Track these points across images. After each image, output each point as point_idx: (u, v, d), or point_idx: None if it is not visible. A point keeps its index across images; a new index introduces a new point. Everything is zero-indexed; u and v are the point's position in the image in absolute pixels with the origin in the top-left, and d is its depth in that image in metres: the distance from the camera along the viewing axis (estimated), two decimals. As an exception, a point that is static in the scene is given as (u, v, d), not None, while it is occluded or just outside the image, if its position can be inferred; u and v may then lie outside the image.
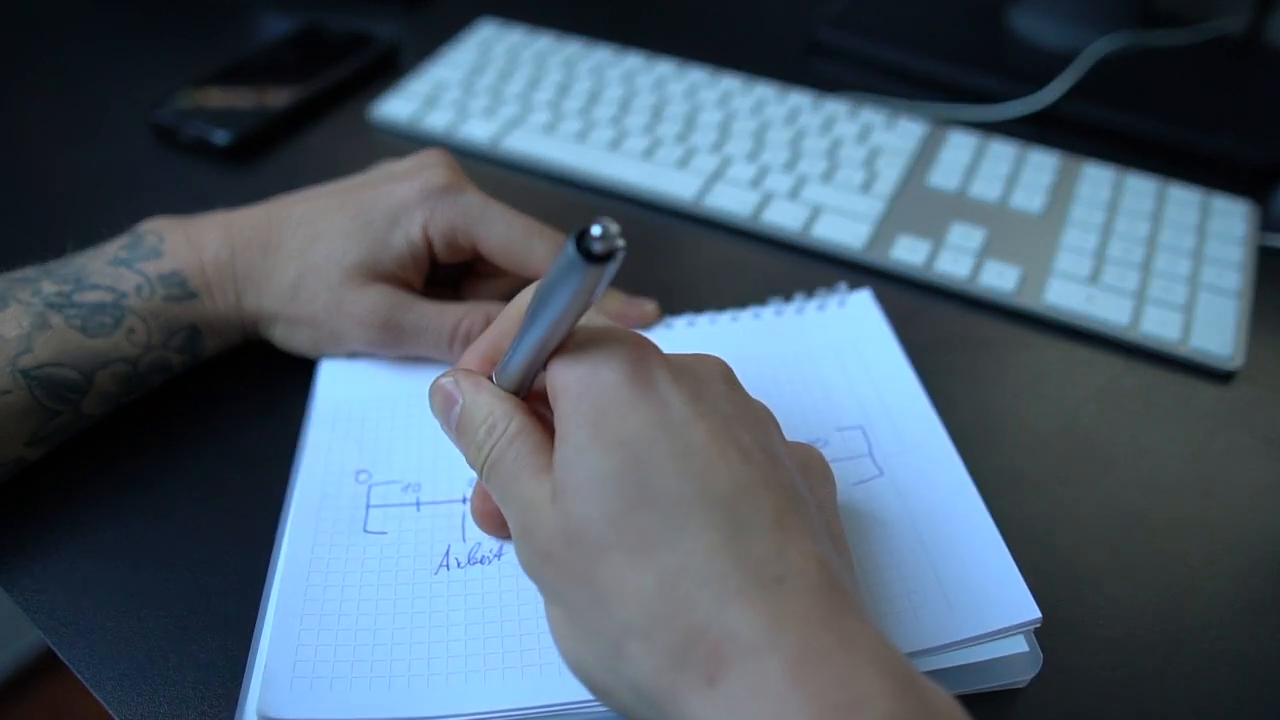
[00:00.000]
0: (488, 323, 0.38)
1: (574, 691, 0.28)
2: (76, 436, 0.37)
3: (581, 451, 0.24)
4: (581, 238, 0.22)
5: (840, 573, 0.23)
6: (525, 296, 0.29)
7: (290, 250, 0.38)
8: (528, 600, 0.31)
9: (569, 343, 0.26)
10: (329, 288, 0.37)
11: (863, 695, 0.20)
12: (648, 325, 0.41)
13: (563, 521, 0.24)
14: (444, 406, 0.29)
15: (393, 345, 0.38)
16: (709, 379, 0.26)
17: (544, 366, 0.27)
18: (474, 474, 0.35)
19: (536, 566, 0.25)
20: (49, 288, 0.35)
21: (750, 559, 0.22)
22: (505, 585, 0.31)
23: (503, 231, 0.39)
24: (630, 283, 0.42)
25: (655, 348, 0.26)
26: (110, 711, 0.30)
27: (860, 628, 0.22)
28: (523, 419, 0.27)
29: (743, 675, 0.21)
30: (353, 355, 0.40)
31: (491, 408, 0.28)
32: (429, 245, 0.38)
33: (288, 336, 0.39)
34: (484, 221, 0.38)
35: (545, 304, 0.24)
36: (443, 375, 0.29)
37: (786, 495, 0.24)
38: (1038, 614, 0.29)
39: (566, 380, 0.25)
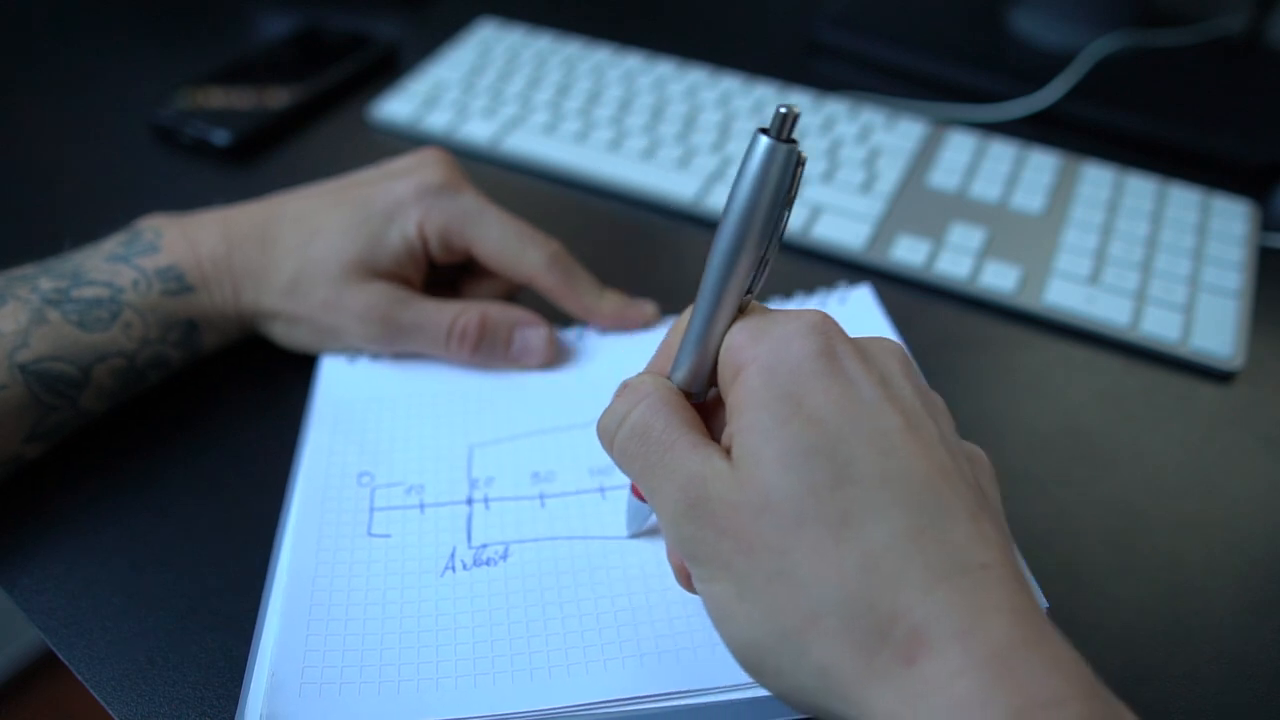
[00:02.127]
0: (483, 321, 0.38)
1: (581, 694, 0.28)
2: (76, 436, 0.37)
3: (780, 423, 0.23)
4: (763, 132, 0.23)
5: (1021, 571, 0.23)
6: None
7: (288, 246, 0.38)
8: (535, 602, 0.31)
9: (748, 316, 0.26)
10: (327, 284, 0.37)
11: (1061, 693, 0.20)
12: (648, 326, 0.41)
13: (752, 493, 0.23)
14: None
15: (390, 342, 0.38)
16: (891, 364, 0.26)
17: (713, 353, 0.26)
18: (475, 476, 0.35)
19: (707, 541, 0.24)
20: (46, 284, 0.35)
21: (952, 545, 0.22)
22: (512, 587, 0.31)
23: (497, 235, 0.39)
24: (630, 283, 0.42)
25: (838, 325, 0.25)
26: (110, 711, 0.30)
27: (1050, 625, 0.22)
28: (671, 387, 0.27)
29: (944, 659, 0.20)
30: (352, 354, 0.40)
31: (636, 378, 0.28)
32: (425, 243, 0.39)
33: (287, 333, 0.39)
34: (479, 223, 0.39)
35: (731, 225, 0.25)
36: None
37: (971, 487, 0.24)
38: (1044, 604, 0.29)
39: (754, 352, 0.25)
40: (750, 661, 0.24)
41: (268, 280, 0.38)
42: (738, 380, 0.25)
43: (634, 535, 0.33)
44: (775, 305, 0.42)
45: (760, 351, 0.25)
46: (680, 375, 0.28)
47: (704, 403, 0.28)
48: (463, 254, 0.40)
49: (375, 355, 0.40)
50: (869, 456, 0.23)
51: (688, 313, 0.28)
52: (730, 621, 0.24)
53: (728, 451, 0.25)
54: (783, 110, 0.23)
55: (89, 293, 0.35)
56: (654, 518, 0.32)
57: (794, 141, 0.24)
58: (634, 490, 0.31)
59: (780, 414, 0.23)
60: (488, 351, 0.39)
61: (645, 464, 0.26)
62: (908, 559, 0.22)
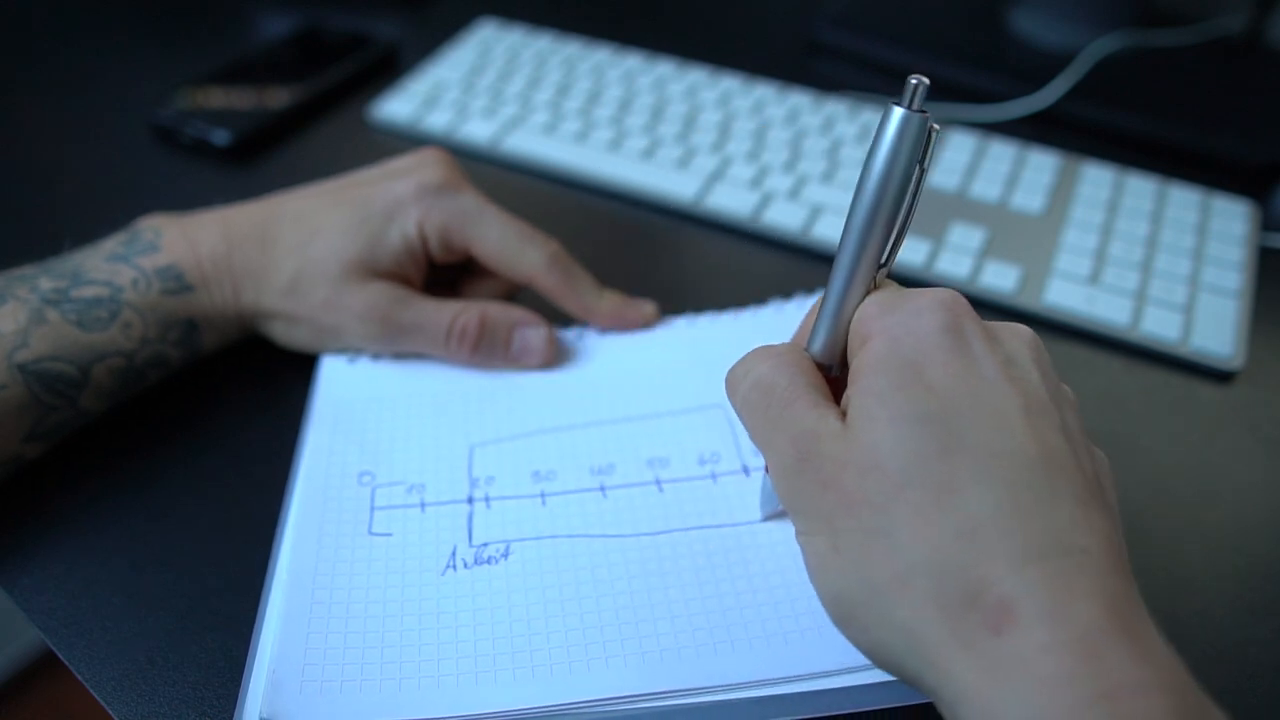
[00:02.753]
0: (483, 320, 0.38)
1: (583, 692, 0.28)
2: (76, 436, 0.37)
3: (897, 388, 0.24)
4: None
5: (1127, 564, 0.23)
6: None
7: (288, 246, 0.38)
8: (536, 600, 0.31)
9: (881, 290, 0.27)
10: (327, 283, 0.37)
11: (1148, 681, 0.20)
12: (647, 326, 0.41)
13: (861, 453, 0.24)
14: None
15: (390, 341, 0.38)
16: (1019, 348, 0.26)
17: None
18: (476, 475, 0.35)
19: (812, 495, 0.25)
20: (46, 284, 0.35)
21: (1054, 526, 0.22)
22: (513, 585, 0.31)
23: (497, 234, 0.39)
24: (630, 283, 0.42)
25: (968, 304, 0.26)
26: (110, 711, 0.30)
27: (1147, 619, 0.22)
28: (805, 355, 0.28)
29: (1030, 634, 0.21)
30: (352, 354, 0.40)
31: (775, 346, 0.29)
32: (425, 243, 0.39)
33: (287, 332, 0.39)
34: (479, 223, 0.39)
35: (867, 197, 0.26)
36: None
37: (1086, 477, 0.24)
38: None
39: (882, 323, 0.26)
40: (839, 613, 0.25)
41: (268, 280, 0.38)
42: (863, 348, 0.26)
43: (767, 518, 0.33)
44: (775, 305, 0.42)
45: (889, 323, 0.25)
46: (813, 347, 0.28)
47: (836, 377, 0.29)
48: (462, 253, 0.40)
49: (375, 355, 0.40)
50: (981, 431, 0.23)
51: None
52: (824, 573, 0.25)
53: (845, 415, 0.25)
54: (914, 82, 0.25)
55: (88, 292, 0.35)
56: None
57: (925, 112, 0.25)
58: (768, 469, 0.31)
59: (898, 380, 0.24)
60: (487, 351, 0.39)
61: (764, 416, 0.27)
62: (1006, 533, 0.22)
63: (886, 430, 0.24)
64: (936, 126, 0.26)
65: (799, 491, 0.25)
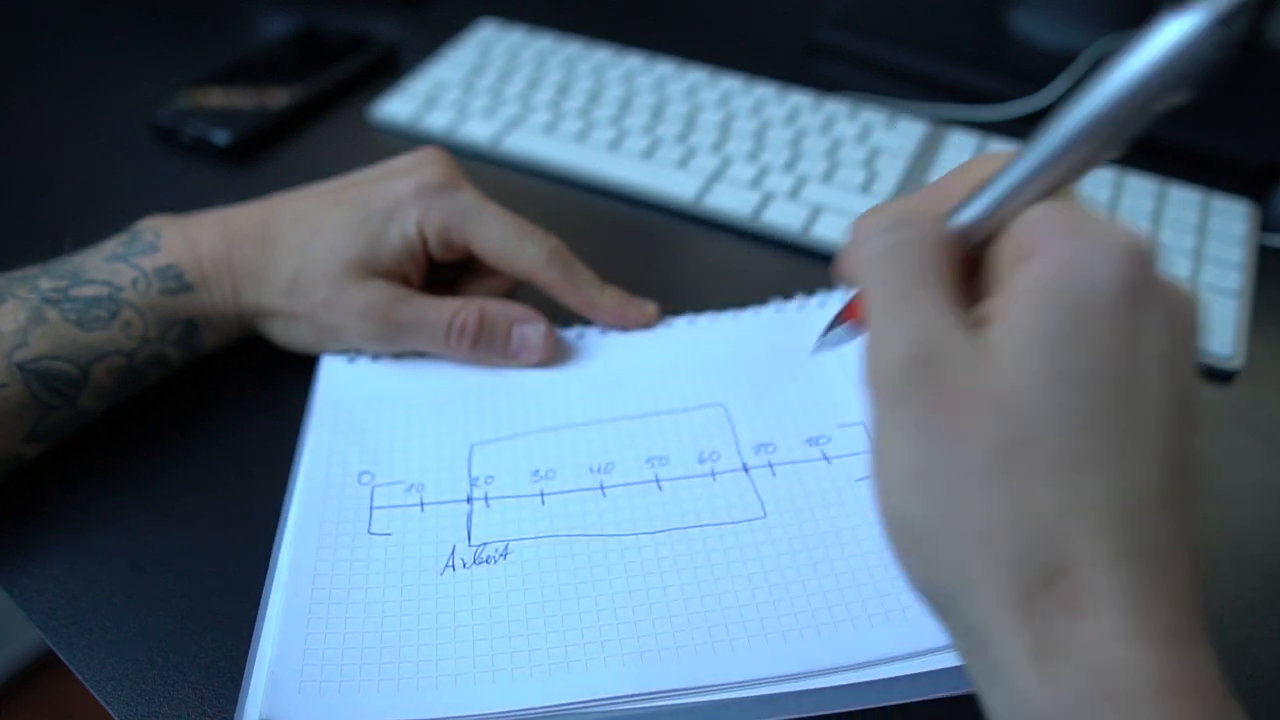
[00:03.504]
0: (482, 317, 0.38)
1: (582, 691, 0.28)
2: (76, 436, 0.37)
3: (1060, 340, 0.21)
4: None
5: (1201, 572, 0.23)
6: (986, 163, 0.26)
7: (288, 246, 0.38)
8: (535, 600, 0.31)
9: (1064, 199, 0.23)
10: (327, 283, 0.37)
11: (1205, 685, 0.20)
12: (648, 326, 0.41)
13: (997, 390, 0.21)
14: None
15: (390, 340, 0.38)
16: (1189, 327, 0.23)
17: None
18: (475, 474, 0.35)
19: (915, 404, 0.22)
20: (46, 284, 0.35)
21: (1162, 528, 0.21)
22: (512, 585, 0.31)
23: (496, 231, 0.39)
24: (630, 283, 0.42)
25: (1155, 255, 0.23)
26: (110, 711, 0.30)
27: (1206, 640, 0.21)
28: (951, 235, 0.24)
29: (1103, 621, 0.20)
30: (352, 354, 0.40)
31: (916, 206, 0.25)
32: (424, 242, 0.39)
33: (287, 332, 0.39)
34: (478, 221, 0.39)
35: (1119, 84, 0.22)
36: None
37: (1197, 484, 0.22)
38: None
39: (1060, 245, 0.22)
40: (903, 539, 0.23)
41: (267, 279, 0.38)
42: (1028, 264, 0.22)
43: (817, 353, 0.31)
44: (774, 306, 0.42)
45: (1067, 249, 0.22)
46: (966, 217, 0.25)
47: (973, 256, 0.25)
48: (462, 252, 0.40)
49: (375, 355, 0.40)
50: (1124, 414, 0.21)
51: (997, 158, 0.25)
52: (900, 493, 0.23)
53: (976, 324, 0.23)
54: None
55: (88, 291, 0.35)
56: (846, 342, 0.30)
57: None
58: (846, 311, 0.29)
59: (1063, 328, 0.21)
60: (486, 347, 0.39)
61: (894, 289, 0.24)
62: (1111, 524, 0.21)
63: (1033, 382, 0.21)
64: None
65: (901, 395, 0.23)
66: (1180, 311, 0.23)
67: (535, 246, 0.39)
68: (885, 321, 0.23)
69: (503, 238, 0.39)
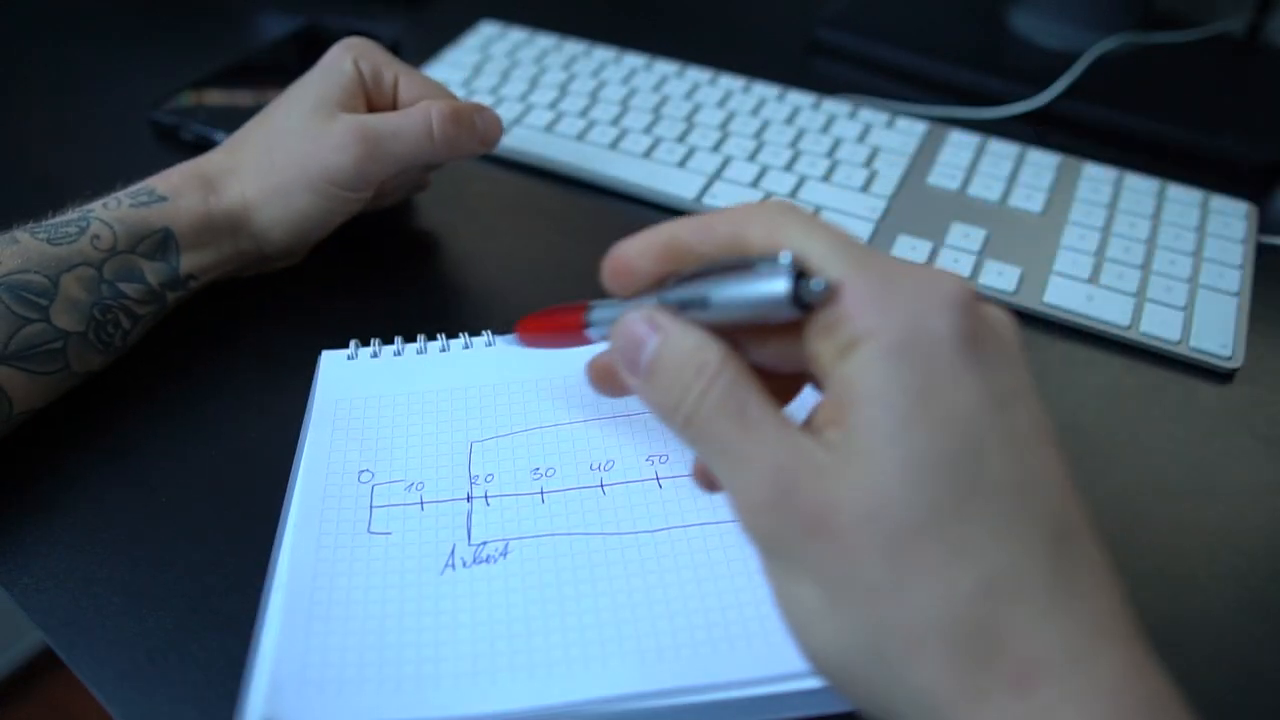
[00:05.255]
0: (453, 110, 0.41)
1: (582, 691, 0.28)
2: (76, 435, 0.37)
3: (908, 424, 0.20)
4: (799, 279, 0.21)
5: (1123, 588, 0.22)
6: (745, 217, 0.24)
7: (252, 136, 0.42)
8: (535, 599, 0.31)
9: (867, 264, 0.22)
10: (300, 133, 0.40)
11: (1173, 712, 0.20)
12: (490, 145, 0.43)
13: (862, 498, 0.20)
14: (629, 347, 0.24)
15: (376, 158, 0.40)
16: (1014, 347, 0.23)
17: (800, 305, 0.22)
18: (475, 472, 0.35)
19: (791, 540, 0.21)
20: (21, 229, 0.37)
21: (1068, 564, 0.21)
22: (512, 585, 0.31)
23: (418, 77, 0.43)
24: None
25: (974, 292, 0.22)
26: (110, 711, 0.30)
27: (1147, 647, 0.21)
28: (740, 363, 0.23)
29: (1053, 686, 0.20)
30: (352, 351, 0.40)
31: (701, 346, 0.23)
32: (361, 76, 0.42)
33: (284, 214, 0.40)
34: (396, 63, 0.43)
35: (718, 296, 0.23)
36: (631, 311, 0.25)
37: (1078, 500, 0.22)
38: None
39: (881, 321, 0.21)
40: (838, 677, 0.22)
41: (244, 167, 0.40)
42: (854, 355, 0.21)
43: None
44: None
45: (893, 321, 0.21)
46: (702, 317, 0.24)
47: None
48: (390, 95, 0.43)
49: (375, 352, 0.40)
50: (1002, 464, 0.21)
51: (733, 214, 0.24)
52: (815, 632, 0.22)
53: (817, 432, 0.22)
54: (817, 286, 0.22)
55: (60, 219, 0.37)
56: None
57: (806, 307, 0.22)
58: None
59: (909, 414, 0.20)
60: (467, 131, 0.41)
61: (723, 446, 0.22)
62: (1028, 580, 0.20)
63: (896, 476, 0.20)
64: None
65: (774, 535, 0.22)
66: (1007, 334, 0.23)
67: (437, 106, 0.41)
68: (731, 472, 0.22)
69: (424, 83, 0.43)
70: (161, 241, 0.38)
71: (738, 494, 0.23)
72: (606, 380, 0.28)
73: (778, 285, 0.21)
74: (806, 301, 0.22)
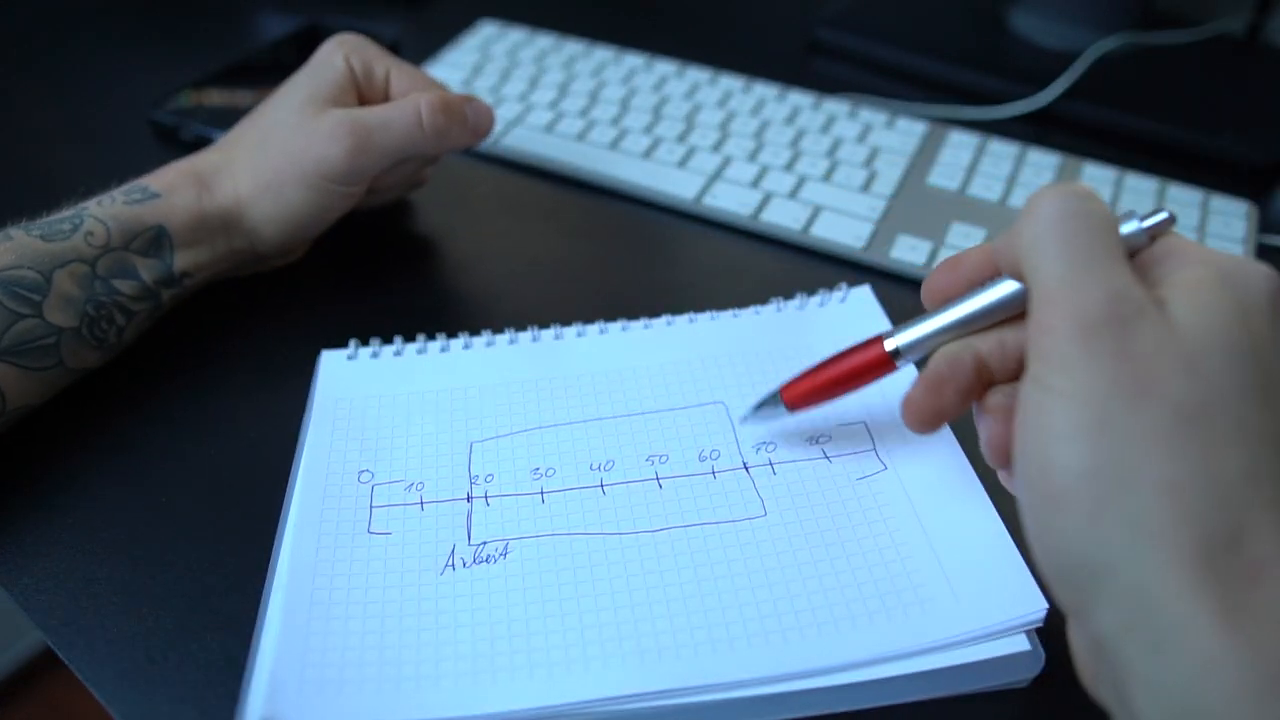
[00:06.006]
0: (440, 96, 0.42)
1: (583, 691, 0.28)
2: (76, 435, 0.37)
3: (1235, 320, 0.23)
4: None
5: None
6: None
7: (245, 134, 0.42)
8: (535, 599, 0.31)
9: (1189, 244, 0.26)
10: (292, 129, 0.40)
11: None
12: (478, 136, 0.44)
13: (1187, 351, 0.22)
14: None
15: (367, 151, 0.40)
16: None
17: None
18: (475, 472, 0.35)
19: (1101, 359, 0.23)
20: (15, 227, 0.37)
21: None
22: (512, 585, 0.31)
23: (410, 71, 0.43)
24: (630, 282, 0.42)
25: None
26: (110, 711, 0.30)
27: None
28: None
29: None
30: (352, 351, 0.40)
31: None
32: (353, 70, 0.42)
33: (276, 209, 0.40)
34: (391, 59, 0.43)
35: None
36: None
37: None
38: (1045, 605, 0.29)
39: (1212, 258, 0.25)
40: (1056, 497, 0.23)
41: (237, 165, 0.40)
42: (1192, 267, 0.25)
43: (745, 422, 0.36)
44: (775, 305, 0.42)
45: (1223, 260, 0.25)
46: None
47: None
48: (382, 88, 0.43)
49: (375, 352, 0.40)
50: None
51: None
52: (1071, 440, 0.22)
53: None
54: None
55: (55, 216, 0.38)
56: (776, 420, 0.35)
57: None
58: (786, 390, 0.34)
59: (1234, 314, 0.23)
60: (459, 123, 0.42)
61: (1087, 250, 0.24)
62: (1271, 484, 0.21)
63: (1218, 353, 0.22)
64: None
65: (1090, 348, 0.23)
66: None
67: (426, 96, 0.42)
68: (1080, 277, 0.24)
69: (413, 75, 0.43)
70: (155, 239, 0.38)
71: (1072, 297, 0.24)
72: (946, 414, 0.29)
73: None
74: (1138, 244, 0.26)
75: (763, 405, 0.35)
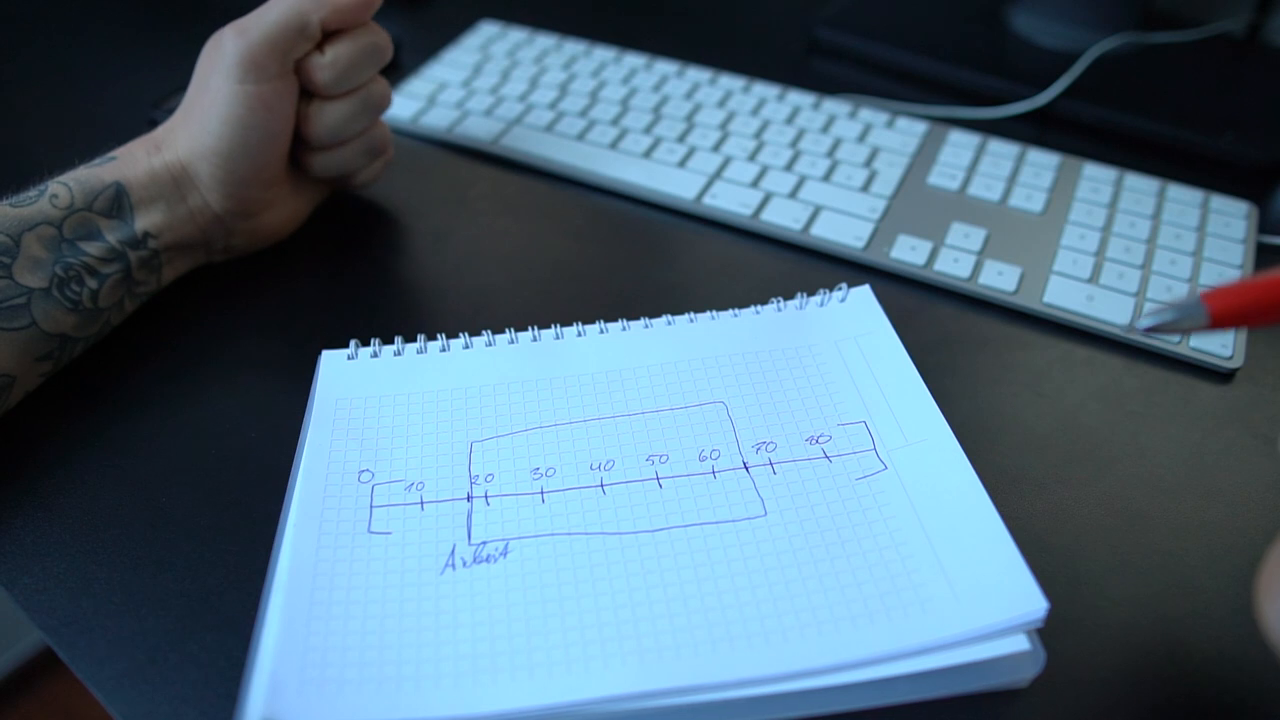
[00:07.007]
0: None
1: (583, 690, 0.28)
2: (76, 434, 0.37)
3: None
4: None
5: None
6: None
7: (192, 95, 0.42)
8: (535, 599, 0.31)
9: None
10: (211, 74, 0.41)
11: None
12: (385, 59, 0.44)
13: None
14: None
15: (250, 28, 0.40)
16: None
17: None
18: (475, 472, 0.35)
19: None
20: None
21: None
22: (512, 584, 0.31)
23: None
24: (630, 282, 0.42)
25: None
26: (110, 711, 0.30)
27: None
28: None
29: None
30: (352, 351, 0.40)
31: None
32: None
33: (200, 142, 0.41)
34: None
35: None
36: None
37: None
38: (1045, 604, 0.29)
39: None
40: None
41: (179, 124, 0.41)
42: None
43: (1145, 328, 0.29)
44: (775, 305, 0.42)
45: None
46: None
47: None
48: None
49: (375, 352, 0.40)
50: None
51: None
52: None
53: None
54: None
55: (23, 191, 0.39)
56: (1182, 330, 0.29)
57: None
58: (1212, 299, 0.28)
59: None
60: None
61: None
62: None
63: None
64: None
65: None
66: None
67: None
68: None
69: None
70: (114, 197, 0.39)
71: None
72: None
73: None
74: None
75: (1181, 315, 0.28)
